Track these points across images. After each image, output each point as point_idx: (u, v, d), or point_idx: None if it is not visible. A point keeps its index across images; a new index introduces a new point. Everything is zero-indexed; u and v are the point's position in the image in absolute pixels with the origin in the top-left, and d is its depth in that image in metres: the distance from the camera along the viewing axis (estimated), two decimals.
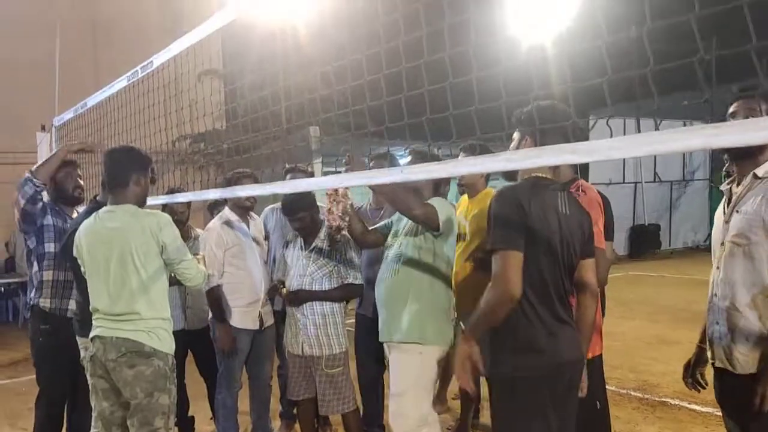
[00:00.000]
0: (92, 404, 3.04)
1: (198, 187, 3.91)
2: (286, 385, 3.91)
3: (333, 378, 3.60)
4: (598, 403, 2.88)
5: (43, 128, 6.45)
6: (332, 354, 3.61)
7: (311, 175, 4.56)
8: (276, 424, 4.52)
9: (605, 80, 1.74)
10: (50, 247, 3.77)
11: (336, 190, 3.31)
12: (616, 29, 1.83)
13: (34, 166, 3.88)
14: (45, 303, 3.76)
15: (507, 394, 2.31)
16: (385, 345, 3.32)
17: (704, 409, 4.60)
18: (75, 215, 3.85)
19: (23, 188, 3.70)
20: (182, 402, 4.18)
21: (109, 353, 2.87)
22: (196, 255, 3.32)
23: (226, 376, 3.97)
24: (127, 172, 3.01)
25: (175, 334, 3.07)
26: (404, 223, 3.27)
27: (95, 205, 3.29)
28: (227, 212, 4.07)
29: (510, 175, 2.60)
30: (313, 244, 3.69)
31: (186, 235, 4.10)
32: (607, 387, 3.30)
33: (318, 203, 3.73)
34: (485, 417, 4.53)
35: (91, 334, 2.98)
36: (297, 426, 4.24)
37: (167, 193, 4.04)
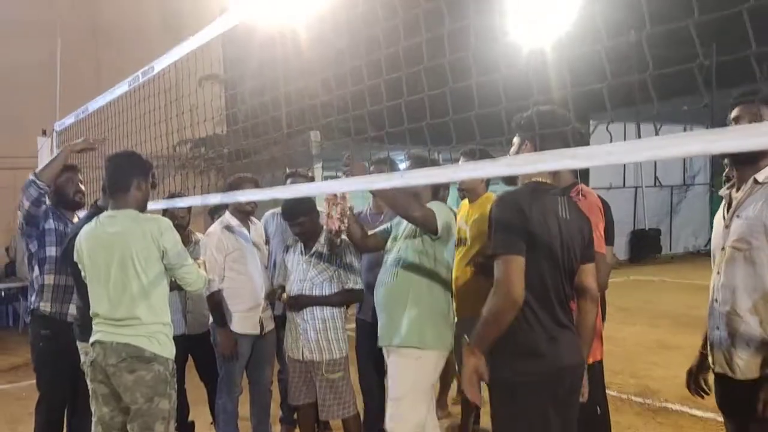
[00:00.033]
0: (92, 409, 3.03)
1: (198, 192, 3.92)
2: (287, 390, 3.90)
3: (333, 383, 3.60)
4: (598, 408, 2.88)
5: (44, 133, 6.46)
6: (332, 359, 3.60)
7: (312, 179, 4.56)
8: (276, 429, 4.51)
9: (605, 85, 1.74)
10: (51, 251, 3.77)
11: (335, 195, 3.32)
12: (615, 34, 1.83)
13: (38, 168, 3.88)
14: (45, 307, 3.76)
15: (507, 399, 2.30)
16: (383, 349, 3.32)
17: (705, 415, 4.59)
18: (76, 220, 3.86)
19: (28, 190, 3.70)
20: (182, 407, 4.17)
21: (110, 358, 2.87)
22: (196, 260, 3.32)
23: (226, 381, 3.97)
24: (129, 177, 3.02)
25: (176, 338, 3.07)
26: (403, 227, 3.27)
27: (96, 210, 3.30)
28: (228, 217, 4.07)
29: (510, 179, 2.61)
30: (314, 249, 3.69)
31: (186, 240, 4.09)
32: (607, 392, 3.30)
33: (318, 208, 3.73)
34: (485, 422, 4.52)
35: (92, 339, 2.98)
36: (297, 431, 4.23)
37: (168, 198, 4.04)
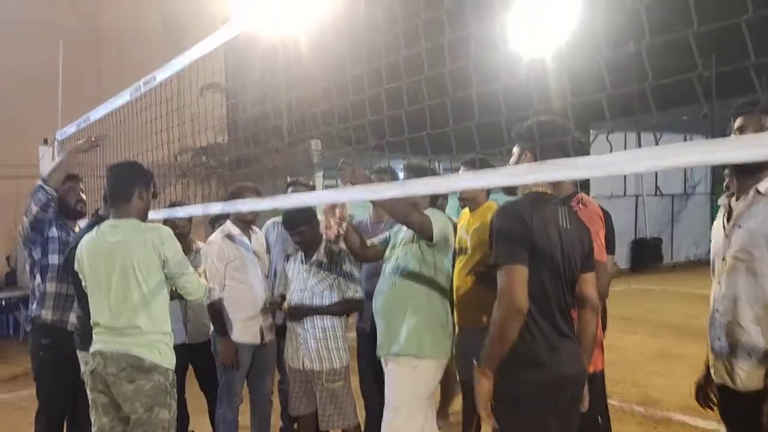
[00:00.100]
0: (92, 419, 3.02)
1: (199, 201, 3.92)
2: (287, 400, 3.89)
3: (334, 393, 3.59)
4: (599, 418, 2.87)
5: (45, 142, 6.46)
6: (333, 368, 3.59)
7: (312, 189, 4.57)
8: None
9: (604, 95, 1.74)
10: (54, 259, 3.78)
11: (333, 205, 3.33)
12: (615, 44, 1.84)
13: (46, 174, 3.90)
14: (47, 315, 3.76)
15: (509, 409, 2.29)
16: (382, 359, 3.31)
17: (708, 425, 4.55)
18: (77, 229, 3.86)
19: (36, 195, 3.71)
20: (182, 417, 4.15)
21: (110, 368, 2.86)
22: (197, 269, 3.32)
23: (226, 390, 3.96)
24: (130, 187, 3.03)
25: (176, 348, 3.06)
26: (402, 235, 3.28)
27: (97, 219, 3.30)
28: (229, 225, 4.07)
29: (510, 189, 2.61)
30: (314, 258, 3.69)
31: (187, 249, 4.09)
32: (609, 402, 3.29)
33: (318, 217, 3.73)
34: (486, 431, 4.50)
35: (92, 349, 2.97)
36: None
37: (169, 207, 4.04)
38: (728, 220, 2.41)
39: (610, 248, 3.01)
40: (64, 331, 3.71)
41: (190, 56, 3.55)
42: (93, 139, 4.15)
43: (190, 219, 4.31)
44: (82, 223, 3.87)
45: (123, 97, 4.42)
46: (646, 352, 6.91)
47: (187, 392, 4.34)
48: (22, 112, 9.43)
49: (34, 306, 3.82)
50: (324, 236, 3.50)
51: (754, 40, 1.36)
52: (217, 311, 3.87)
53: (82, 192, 4.06)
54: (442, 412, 4.62)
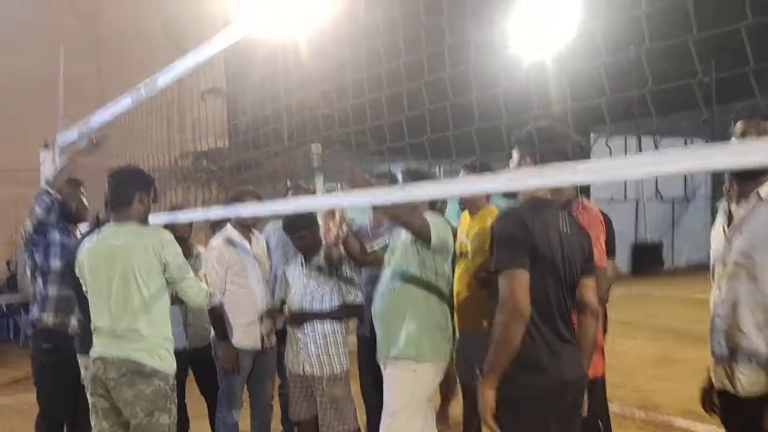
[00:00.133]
0: (92, 423, 3.02)
1: (200, 205, 3.93)
2: (287, 404, 3.88)
3: (334, 398, 3.58)
4: (600, 422, 2.86)
5: (45, 145, 6.45)
6: (333, 373, 3.59)
7: (312, 193, 4.57)
8: None
9: (604, 100, 1.75)
10: (56, 262, 3.78)
11: (332, 211, 3.33)
12: (615, 49, 1.85)
13: (51, 177, 3.91)
14: (48, 319, 3.76)
15: (510, 413, 2.29)
16: (381, 364, 3.31)
17: (708, 430, 4.54)
18: (79, 233, 3.87)
19: (41, 197, 3.73)
20: (182, 421, 4.14)
21: (110, 372, 2.86)
22: (197, 272, 3.32)
23: (227, 395, 3.95)
24: (131, 191, 3.03)
25: (177, 352, 3.06)
26: (401, 240, 3.29)
27: (98, 224, 3.31)
28: (229, 230, 4.07)
29: (510, 193, 2.61)
30: (314, 262, 3.69)
31: (188, 253, 4.08)
32: (609, 406, 3.28)
33: (319, 221, 3.73)
34: None
35: (92, 354, 2.97)
36: None
37: (170, 210, 4.04)
38: (729, 225, 2.41)
39: (611, 252, 3.01)
40: (65, 335, 3.71)
41: (191, 61, 3.55)
42: (93, 140, 4.15)
43: (190, 223, 4.31)
44: (83, 227, 3.87)
45: (123, 103, 4.41)
46: (647, 357, 6.90)
47: (187, 396, 4.33)
48: (22, 116, 9.41)
49: (35, 310, 3.83)
50: (324, 240, 3.50)
51: (753, 45, 1.36)
52: (217, 316, 3.86)
53: (84, 196, 4.07)
54: (442, 416, 4.61)
